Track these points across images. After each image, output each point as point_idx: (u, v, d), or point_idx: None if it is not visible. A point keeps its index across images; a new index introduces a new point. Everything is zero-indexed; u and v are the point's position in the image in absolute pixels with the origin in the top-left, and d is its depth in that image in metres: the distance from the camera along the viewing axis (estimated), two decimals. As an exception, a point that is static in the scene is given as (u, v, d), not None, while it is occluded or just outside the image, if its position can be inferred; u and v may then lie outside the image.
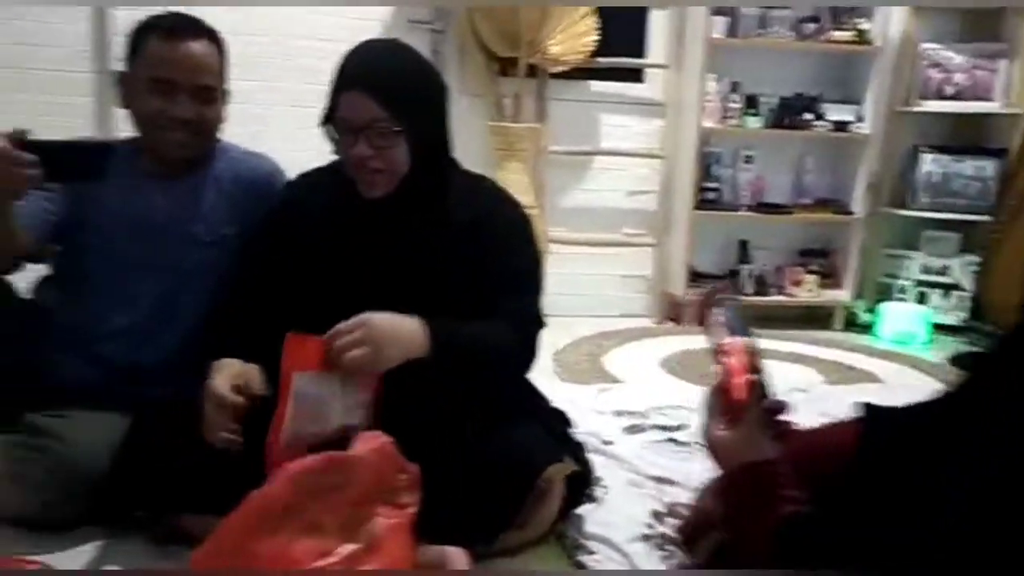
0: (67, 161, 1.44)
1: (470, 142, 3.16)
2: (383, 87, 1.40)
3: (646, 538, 1.52)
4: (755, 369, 0.98)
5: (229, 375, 1.38)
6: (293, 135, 2.99)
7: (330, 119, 1.45)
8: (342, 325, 1.33)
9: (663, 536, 1.52)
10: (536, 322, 1.54)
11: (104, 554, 1.49)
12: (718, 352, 1.01)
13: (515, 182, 3.24)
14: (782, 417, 0.98)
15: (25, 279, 1.73)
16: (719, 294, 1.02)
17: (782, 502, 0.93)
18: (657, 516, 1.61)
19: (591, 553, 1.49)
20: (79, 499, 1.51)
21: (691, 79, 3.59)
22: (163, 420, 1.53)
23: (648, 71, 3.72)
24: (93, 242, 1.72)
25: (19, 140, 1.38)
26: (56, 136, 1.46)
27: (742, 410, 0.96)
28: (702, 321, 1.00)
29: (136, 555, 1.48)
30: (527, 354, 1.53)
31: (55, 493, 1.50)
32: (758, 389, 0.96)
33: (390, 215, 1.50)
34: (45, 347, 1.71)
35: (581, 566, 1.47)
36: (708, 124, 3.59)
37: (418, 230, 1.51)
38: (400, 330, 1.36)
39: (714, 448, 1.00)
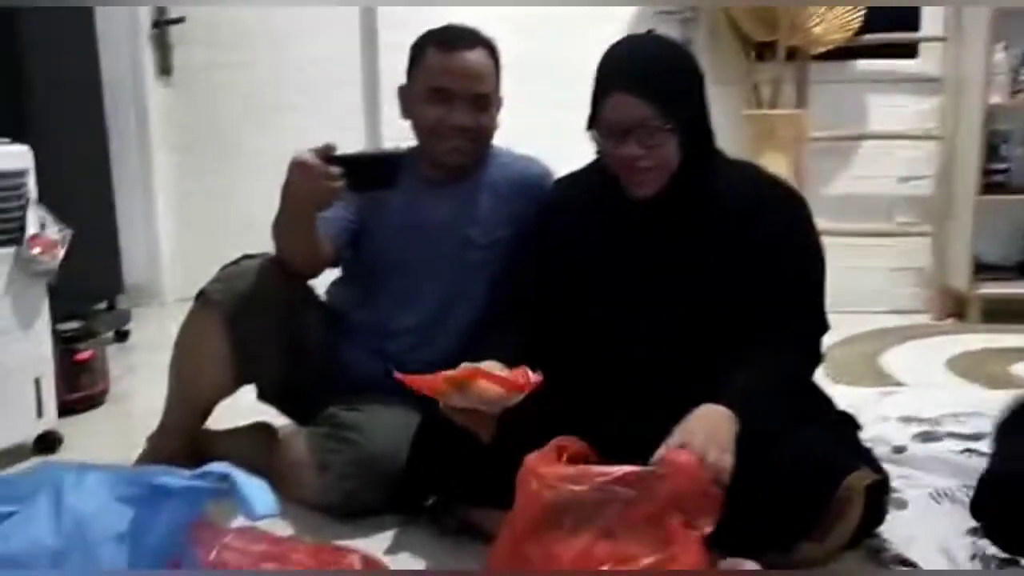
0: (366, 172, 1.54)
1: (723, 133, 3.06)
2: (648, 85, 1.37)
3: (972, 557, 1.40)
4: None
5: None
6: (556, 137, 3.05)
7: (594, 122, 1.43)
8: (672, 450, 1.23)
9: (993, 557, 1.38)
10: (821, 329, 1.50)
11: (397, 542, 1.56)
12: None
13: (774, 172, 3.09)
14: None
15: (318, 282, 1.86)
16: None
17: None
18: (977, 533, 1.46)
19: (911, 566, 1.39)
20: (378, 489, 1.60)
21: (974, 51, 3.25)
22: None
23: (923, 45, 3.42)
24: (379, 247, 1.82)
25: (326, 154, 1.49)
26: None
27: None
28: None
29: (425, 545, 1.54)
30: (814, 364, 1.51)
31: (357, 483, 1.60)
32: None
33: (660, 213, 1.46)
34: (339, 346, 1.84)
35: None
36: (995, 100, 3.23)
37: (689, 226, 1.47)
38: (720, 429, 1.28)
39: None
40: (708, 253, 1.47)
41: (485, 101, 1.74)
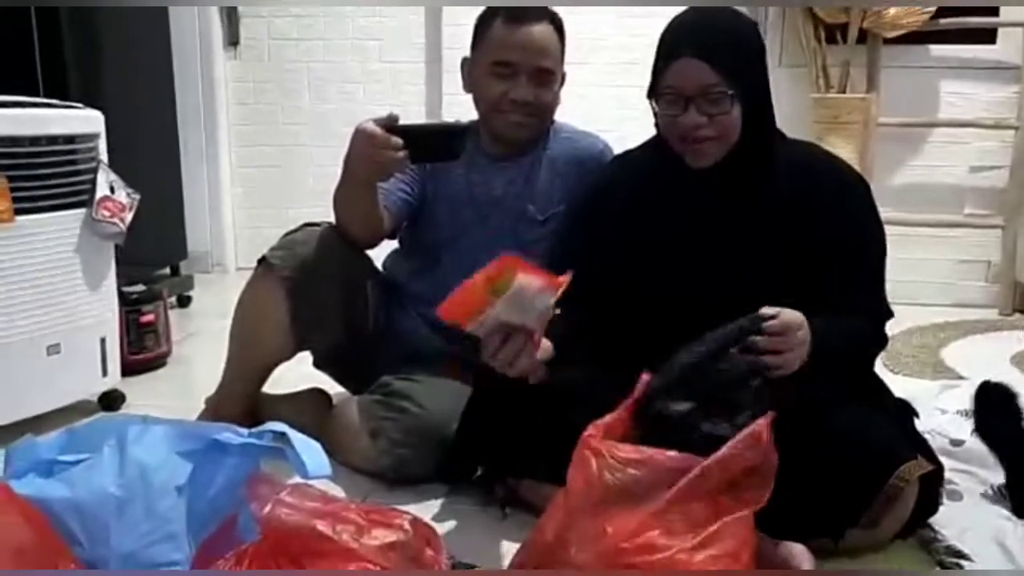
0: (428, 143, 1.55)
1: (790, 115, 3.00)
2: (714, 51, 1.36)
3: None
4: None
5: None
6: (613, 114, 3.04)
7: (655, 90, 1.42)
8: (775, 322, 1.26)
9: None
10: (882, 312, 1.49)
11: (444, 510, 1.59)
12: None
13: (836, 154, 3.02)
14: None
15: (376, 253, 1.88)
16: None
17: None
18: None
19: (964, 557, 1.36)
20: (428, 458, 1.62)
21: (1056, 37, 3.13)
22: (500, 389, 1.60)
23: (1002, 31, 3.30)
24: (438, 220, 1.83)
25: (389, 125, 1.50)
26: None
27: None
28: None
29: (472, 514, 1.56)
30: (876, 345, 1.51)
31: (408, 451, 1.63)
32: None
33: (718, 186, 1.45)
34: (395, 316, 1.87)
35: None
36: (1076, 88, 3.11)
37: (747, 200, 1.46)
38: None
39: None
40: (766, 228, 1.45)
41: (548, 76, 1.74)
